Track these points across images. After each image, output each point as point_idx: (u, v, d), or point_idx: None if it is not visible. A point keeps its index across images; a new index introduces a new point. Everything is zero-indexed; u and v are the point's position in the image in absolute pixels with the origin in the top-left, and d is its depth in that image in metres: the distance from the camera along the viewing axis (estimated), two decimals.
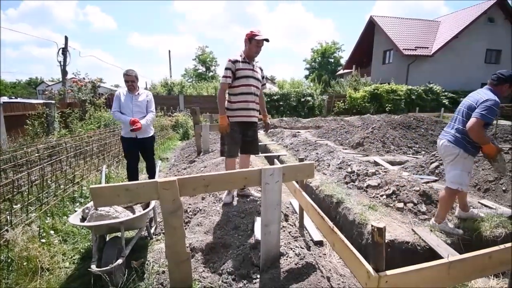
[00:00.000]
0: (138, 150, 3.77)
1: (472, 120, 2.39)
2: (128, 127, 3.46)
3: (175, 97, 15.46)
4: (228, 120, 2.81)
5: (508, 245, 1.56)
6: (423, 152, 6.32)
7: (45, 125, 7.61)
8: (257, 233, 2.28)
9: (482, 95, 2.48)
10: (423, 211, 2.96)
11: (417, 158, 5.58)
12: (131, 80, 3.54)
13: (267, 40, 2.73)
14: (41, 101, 8.89)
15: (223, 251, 2.27)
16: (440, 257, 2.18)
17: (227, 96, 2.88)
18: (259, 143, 8.02)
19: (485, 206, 3.28)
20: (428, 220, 2.86)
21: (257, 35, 2.70)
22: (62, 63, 13.25)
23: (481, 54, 19.97)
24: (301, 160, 2.54)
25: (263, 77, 3.00)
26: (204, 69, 34.96)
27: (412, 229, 2.68)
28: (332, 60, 36.88)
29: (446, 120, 11.60)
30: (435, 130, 7.20)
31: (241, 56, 2.80)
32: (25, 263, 2.07)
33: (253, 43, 2.73)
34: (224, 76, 2.74)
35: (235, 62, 2.73)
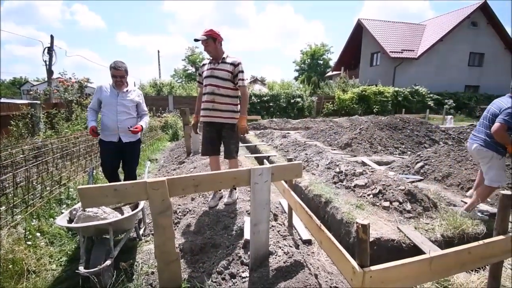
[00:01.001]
0: (120, 156, 3.18)
1: (496, 125, 2.71)
2: (110, 130, 3.00)
3: (164, 98, 15.32)
4: (197, 120, 3.04)
5: (487, 240, 1.64)
6: (409, 152, 6.49)
7: (30, 125, 7.40)
8: (247, 233, 2.31)
9: (505, 103, 2.76)
10: (408, 209, 3.05)
11: (403, 158, 5.72)
12: (120, 75, 2.96)
13: (196, 40, 2.70)
14: (26, 101, 8.63)
15: (213, 251, 2.28)
16: (424, 254, 2.26)
17: None
18: (249, 144, 8.06)
19: (482, 214, 3.39)
20: (413, 218, 2.95)
21: None
22: (47, 63, 12.92)
23: (464, 57, 20.68)
24: (290, 160, 2.58)
25: (239, 72, 2.74)
26: (193, 69, 34.75)
27: (398, 227, 2.76)
28: (321, 62, 37.32)
29: (431, 121, 11.93)
30: (421, 131, 7.41)
31: (208, 58, 2.88)
32: (10, 266, 2.03)
33: None
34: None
35: (202, 66, 2.92)
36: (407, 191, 3.21)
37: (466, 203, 3.42)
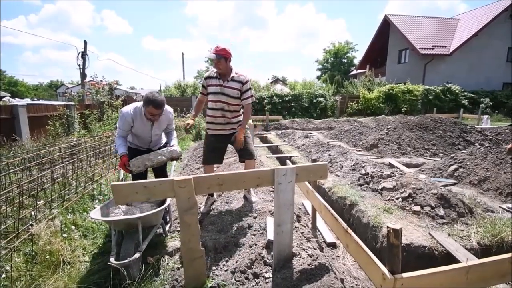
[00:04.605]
0: None
1: None
2: (139, 139, 2.67)
3: (188, 99, 15.72)
4: (192, 123, 2.99)
5: None
6: (441, 154, 6.13)
7: (66, 125, 7.92)
8: (270, 233, 2.29)
9: None
10: (441, 215, 2.87)
11: (434, 160, 5.42)
12: (159, 113, 2.50)
13: (216, 56, 2.69)
14: (62, 103, 9.25)
15: (236, 249, 2.29)
16: (459, 262, 2.13)
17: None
18: (270, 144, 8.04)
19: (507, 210, 3.16)
20: (446, 224, 2.78)
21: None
22: (81, 66, 13.77)
23: (502, 52, 19.15)
24: (314, 161, 2.54)
25: (246, 90, 2.87)
26: None
27: (429, 233, 2.61)
28: (345, 60, 36.29)
29: (466, 121, 11.19)
30: (454, 132, 6.97)
31: (215, 72, 2.88)
32: (48, 256, 2.17)
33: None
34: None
35: (206, 78, 2.92)
36: (439, 195, 3.03)
37: (505, 209, 3.18)
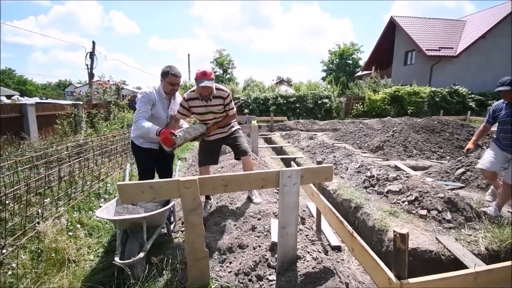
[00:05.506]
0: (158, 161, 2.92)
1: None
2: (154, 140, 2.65)
3: None
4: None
5: None
6: (448, 157, 6.05)
7: (73, 124, 7.99)
8: (274, 235, 2.28)
9: None
10: (448, 219, 2.83)
11: (441, 163, 5.35)
12: (178, 83, 2.66)
13: (208, 82, 2.61)
14: (70, 102, 9.35)
15: (240, 251, 2.28)
16: (466, 268, 2.09)
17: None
18: (275, 145, 8.03)
19: None
20: (453, 228, 2.73)
21: (196, 79, 2.64)
22: (89, 66, 13.93)
23: (510, 54, 18.85)
24: (319, 162, 2.52)
25: (228, 103, 2.91)
26: (221, 71, 35.31)
27: (436, 238, 2.58)
28: (351, 62, 36.11)
29: (473, 123, 11.01)
30: (461, 134, 6.87)
31: (195, 93, 2.81)
32: (53, 254, 2.19)
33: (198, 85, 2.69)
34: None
35: (188, 100, 2.83)
36: (447, 199, 2.99)
37: None
